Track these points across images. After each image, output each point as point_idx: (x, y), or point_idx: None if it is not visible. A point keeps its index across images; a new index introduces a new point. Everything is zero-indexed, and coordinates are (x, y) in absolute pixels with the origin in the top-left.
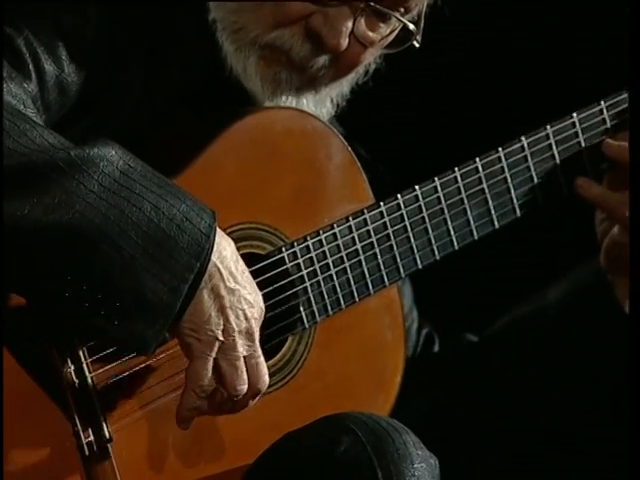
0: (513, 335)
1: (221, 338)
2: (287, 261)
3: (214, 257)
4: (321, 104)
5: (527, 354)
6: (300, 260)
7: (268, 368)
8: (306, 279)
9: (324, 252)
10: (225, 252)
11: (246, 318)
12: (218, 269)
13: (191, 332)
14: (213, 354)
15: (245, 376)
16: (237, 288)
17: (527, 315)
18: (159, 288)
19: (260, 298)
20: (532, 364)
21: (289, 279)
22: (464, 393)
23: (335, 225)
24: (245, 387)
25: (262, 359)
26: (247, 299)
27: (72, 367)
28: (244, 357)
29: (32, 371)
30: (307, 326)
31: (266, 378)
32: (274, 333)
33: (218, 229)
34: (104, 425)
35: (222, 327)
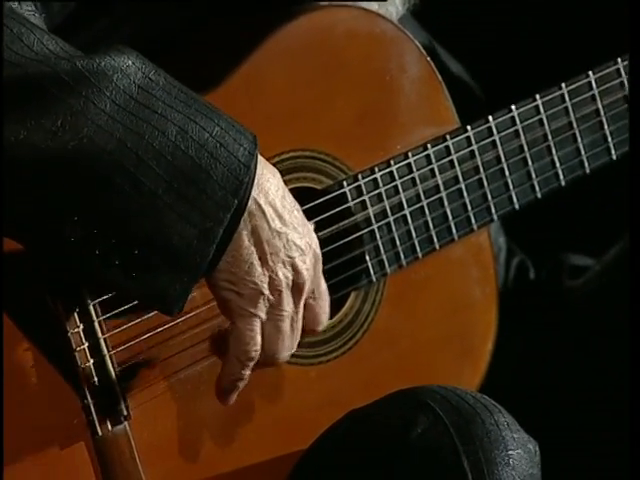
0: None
1: (266, 292)
2: (349, 198)
3: (255, 192)
4: (389, 2)
5: None
6: (366, 197)
7: (325, 332)
8: (373, 221)
9: (396, 187)
10: (269, 185)
11: (295, 268)
12: (260, 207)
13: (229, 285)
14: (259, 312)
15: (288, 343)
16: (284, 231)
17: None
18: (187, 232)
19: (315, 242)
20: None
21: (352, 221)
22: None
23: (410, 154)
24: (286, 356)
25: (301, 320)
26: (297, 244)
27: (81, 327)
28: (291, 319)
29: (31, 332)
30: (374, 279)
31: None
32: (333, 288)
33: (260, 157)
34: (120, 398)
35: (267, 279)
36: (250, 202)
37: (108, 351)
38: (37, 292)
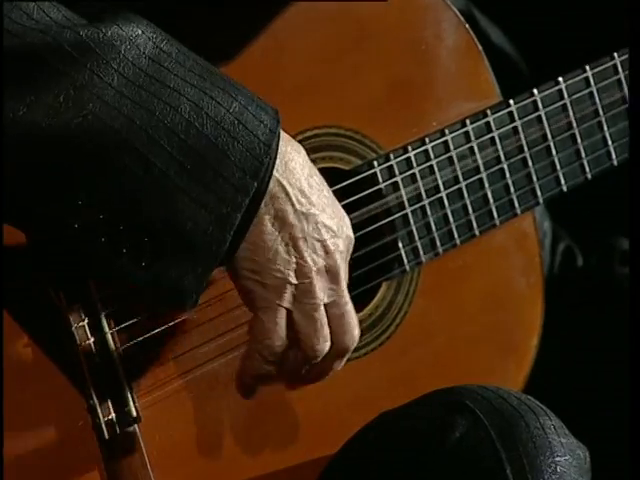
0: None
1: (293, 281)
2: (380, 179)
3: (278, 172)
4: None
5: None
6: (398, 178)
7: None
8: (406, 204)
9: (431, 167)
10: (293, 164)
11: (327, 252)
12: (283, 188)
13: (252, 274)
14: (285, 303)
15: (327, 331)
16: (312, 212)
17: None
18: (202, 217)
19: (348, 224)
20: None
21: (383, 204)
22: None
23: (447, 130)
24: (327, 346)
25: (350, 306)
26: (328, 226)
27: (86, 321)
28: (325, 305)
29: (32, 327)
30: (408, 268)
31: (356, 332)
32: (363, 278)
33: (283, 134)
34: (130, 398)
35: (294, 266)
36: (272, 184)
37: (116, 347)
38: (39, 285)
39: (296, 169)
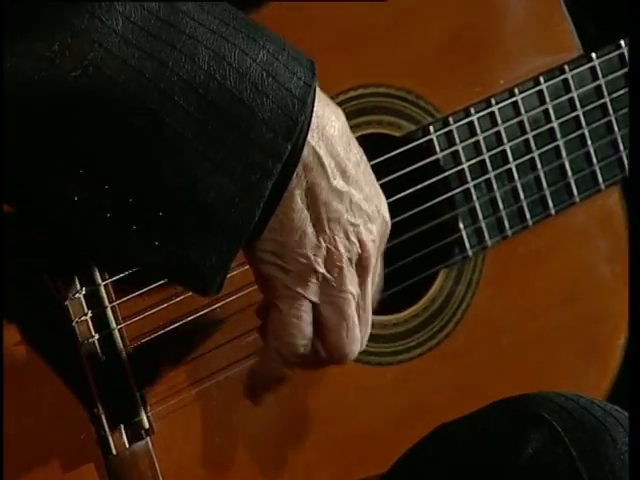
0: None
1: (321, 269)
2: (437, 148)
3: (313, 138)
4: None
5: None
6: (459, 146)
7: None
8: (468, 177)
9: (498, 134)
10: (331, 131)
11: (360, 239)
12: (319, 158)
13: (274, 258)
14: (310, 294)
15: (357, 333)
16: (347, 190)
17: None
18: (226, 186)
19: (385, 207)
20: None
21: (441, 177)
22: None
23: (517, 90)
24: (356, 351)
25: (370, 310)
26: (363, 209)
27: (89, 315)
28: (357, 303)
29: (26, 321)
30: (470, 254)
31: (364, 342)
32: (416, 265)
33: (320, 92)
34: (141, 406)
35: (324, 252)
36: (306, 150)
37: (125, 346)
38: (34, 272)
39: (334, 137)
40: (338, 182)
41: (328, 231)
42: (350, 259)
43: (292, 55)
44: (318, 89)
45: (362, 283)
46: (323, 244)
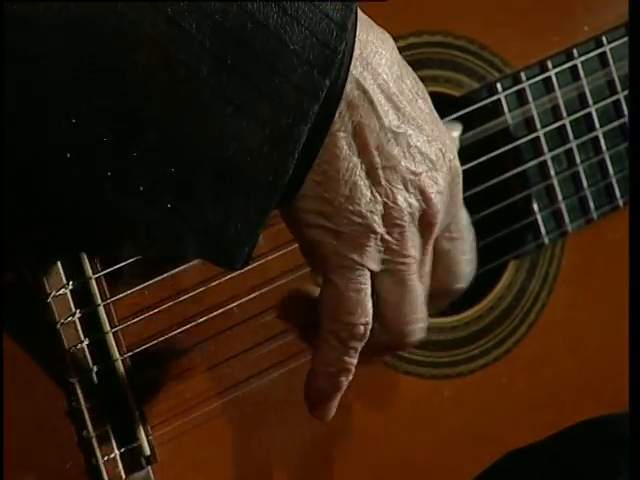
0: None
1: (379, 229)
2: (506, 110)
3: (356, 69)
4: None
5: None
6: (533, 109)
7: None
8: (544, 148)
9: (582, 94)
10: (378, 59)
11: (422, 191)
12: (366, 93)
13: (321, 220)
14: (369, 261)
15: (420, 307)
16: (404, 130)
17: None
18: (251, 133)
19: (451, 148)
20: None
21: (510, 146)
22: None
23: (604, 39)
24: (420, 330)
25: (428, 275)
26: (425, 152)
27: (77, 315)
28: (420, 270)
29: (4, 325)
30: (546, 242)
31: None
32: (482, 255)
33: (362, 15)
34: (141, 429)
35: (380, 207)
36: (349, 85)
37: (121, 354)
38: (12, 265)
39: (382, 66)
40: (392, 121)
41: (384, 182)
42: (412, 215)
43: None
44: (359, 10)
45: (425, 244)
46: (379, 198)
